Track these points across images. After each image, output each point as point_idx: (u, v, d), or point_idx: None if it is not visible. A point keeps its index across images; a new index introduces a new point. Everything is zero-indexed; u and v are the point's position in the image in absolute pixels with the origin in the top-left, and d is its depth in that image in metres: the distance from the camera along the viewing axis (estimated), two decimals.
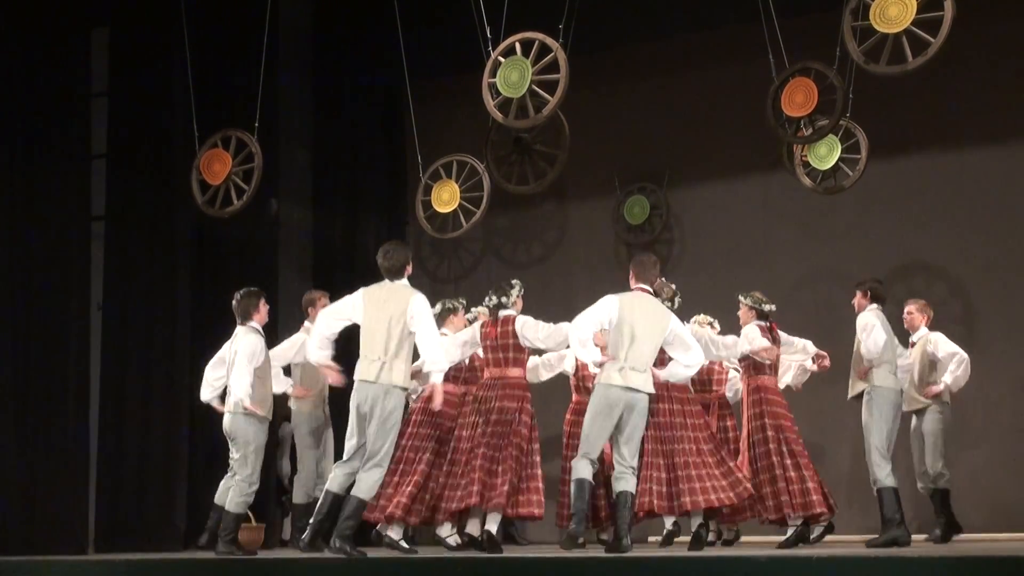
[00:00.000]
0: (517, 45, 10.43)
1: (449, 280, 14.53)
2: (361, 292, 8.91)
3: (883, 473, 9.80)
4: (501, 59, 10.46)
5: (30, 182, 11.75)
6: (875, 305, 10.16)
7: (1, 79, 11.67)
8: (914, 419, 10.88)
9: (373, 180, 14.56)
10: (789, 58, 10.70)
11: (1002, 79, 12.06)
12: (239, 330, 10.00)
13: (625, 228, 13.63)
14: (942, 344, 10.80)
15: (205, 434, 12.47)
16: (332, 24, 14.58)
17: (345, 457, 8.78)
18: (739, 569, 6.95)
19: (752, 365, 10.15)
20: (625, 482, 8.69)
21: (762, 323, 10.18)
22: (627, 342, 8.75)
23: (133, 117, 12.45)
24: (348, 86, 14.47)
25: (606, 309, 8.85)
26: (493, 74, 10.48)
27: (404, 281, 8.91)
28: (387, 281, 8.91)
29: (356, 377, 8.71)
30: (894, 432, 10.04)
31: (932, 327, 11.05)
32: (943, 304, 12.33)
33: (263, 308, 10.08)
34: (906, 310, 10.99)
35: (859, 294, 10.26)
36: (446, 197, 12.07)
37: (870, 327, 9.92)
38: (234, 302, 10.06)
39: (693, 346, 8.98)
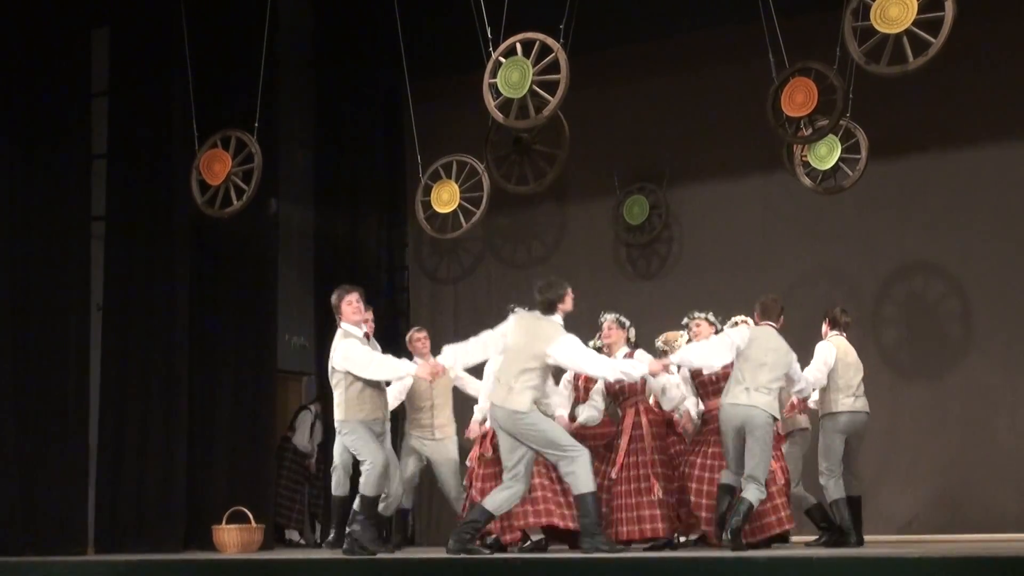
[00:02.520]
0: (518, 45, 10.42)
1: (449, 280, 14.54)
2: (513, 319, 9.07)
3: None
4: (502, 59, 10.45)
5: (30, 182, 11.75)
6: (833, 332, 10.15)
7: (1, 79, 11.67)
8: None
9: (373, 180, 14.57)
10: (789, 58, 10.70)
11: (1003, 79, 12.05)
12: None
13: (625, 228, 13.63)
14: None
15: (204, 434, 12.49)
16: (332, 24, 14.60)
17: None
18: (739, 570, 6.94)
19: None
20: (749, 492, 8.88)
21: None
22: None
23: (133, 117, 12.46)
24: (348, 86, 14.48)
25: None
26: (494, 74, 10.47)
27: (555, 318, 8.93)
28: (538, 312, 8.97)
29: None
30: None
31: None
32: (942, 303, 12.35)
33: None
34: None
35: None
36: (446, 197, 12.06)
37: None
38: None
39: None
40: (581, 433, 9.64)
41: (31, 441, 11.46)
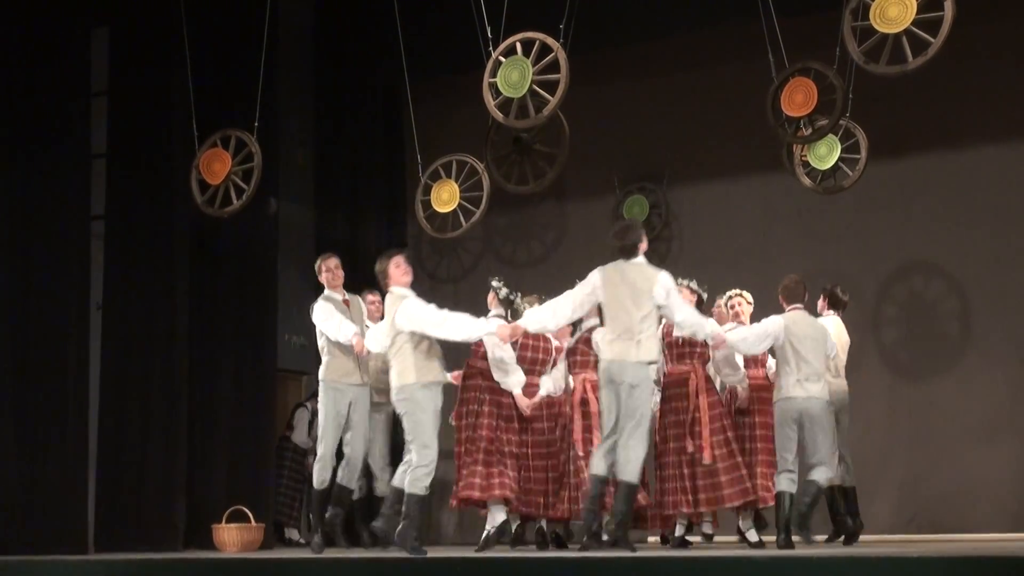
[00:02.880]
0: (518, 45, 10.43)
1: (449, 280, 14.55)
2: (598, 274, 9.02)
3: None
4: (502, 59, 10.46)
5: (30, 181, 11.74)
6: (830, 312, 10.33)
7: (1, 78, 11.66)
8: None
9: (373, 180, 14.57)
10: (789, 58, 10.71)
11: (1002, 79, 12.07)
12: None
13: None
14: None
15: (205, 433, 12.48)
16: (332, 23, 14.60)
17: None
18: (740, 568, 6.95)
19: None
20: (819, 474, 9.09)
21: None
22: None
23: (133, 116, 12.44)
24: (348, 86, 14.49)
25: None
26: (494, 74, 10.48)
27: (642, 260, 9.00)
28: (622, 260, 8.96)
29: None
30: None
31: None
32: (941, 303, 12.36)
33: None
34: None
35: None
36: (446, 197, 12.07)
37: None
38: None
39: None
40: None
41: (30, 440, 11.44)
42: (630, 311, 8.73)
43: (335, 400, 10.05)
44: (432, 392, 8.91)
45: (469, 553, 9.02)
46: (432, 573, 7.95)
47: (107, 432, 12.09)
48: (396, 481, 9.18)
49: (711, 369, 9.97)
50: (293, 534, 13.95)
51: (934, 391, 12.19)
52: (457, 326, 8.93)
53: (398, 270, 9.20)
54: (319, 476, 10.13)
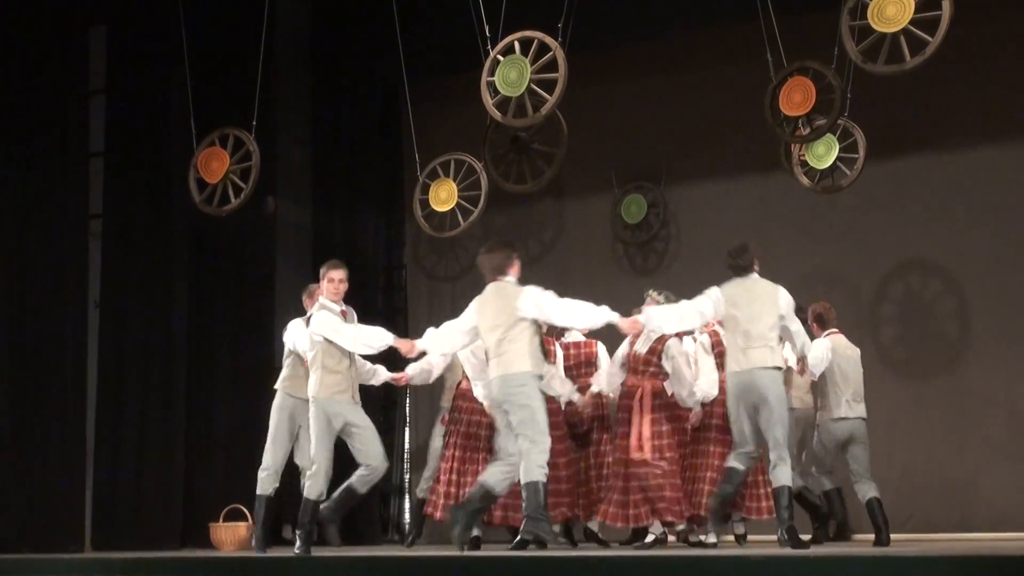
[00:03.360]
0: (516, 44, 10.42)
1: (447, 279, 14.52)
2: (719, 290, 9.22)
3: None
4: (500, 58, 10.45)
5: (28, 180, 11.75)
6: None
7: None
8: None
9: (371, 179, 14.56)
10: (787, 57, 10.69)
11: (1000, 78, 12.06)
12: None
13: (622, 226, 13.63)
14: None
15: (202, 432, 12.49)
16: (330, 22, 14.57)
17: None
18: (735, 568, 6.95)
19: None
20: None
21: None
22: None
23: (131, 115, 12.46)
24: (346, 84, 14.47)
25: None
26: (492, 73, 10.47)
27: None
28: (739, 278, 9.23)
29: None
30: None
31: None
32: (939, 302, 12.35)
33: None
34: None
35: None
36: (444, 196, 12.07)
37: None
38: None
39: None
40: None
41: (28, 438, 11.46)
42: (762, 319, 8.99)
43: (328, 419, 9.34)
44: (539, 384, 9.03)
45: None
46: (432, 571, 7.94)
47: (104, 431, 12.10)
48: (491, 477, 8.95)
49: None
50: (288, 532, 13.94)
51: (931, 390, 12.17)
52: (581, 313, 9.02)
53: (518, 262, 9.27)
54: (316, 489, 9.39)
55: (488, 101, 10.51)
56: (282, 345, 13.41)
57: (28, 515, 11.33)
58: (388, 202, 14.72)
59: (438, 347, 9.47)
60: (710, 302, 9.14)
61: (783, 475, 8.79)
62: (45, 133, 11.84)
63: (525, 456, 8.73)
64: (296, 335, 10.07)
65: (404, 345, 9.49)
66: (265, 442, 10.01)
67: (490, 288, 9.16)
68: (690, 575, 7.05)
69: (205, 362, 12.65)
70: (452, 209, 12.06)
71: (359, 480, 9.29)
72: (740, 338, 8.96)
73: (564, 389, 9.79)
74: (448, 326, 9.37)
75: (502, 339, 8.89)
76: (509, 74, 10.38)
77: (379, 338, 9.38)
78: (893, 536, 10.45)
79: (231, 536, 11.27)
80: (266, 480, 9.97)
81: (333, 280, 9.45)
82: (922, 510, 11.95)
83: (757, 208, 13.04)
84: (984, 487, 11.79)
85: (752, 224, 13.01)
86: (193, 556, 9.90)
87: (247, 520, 11.31)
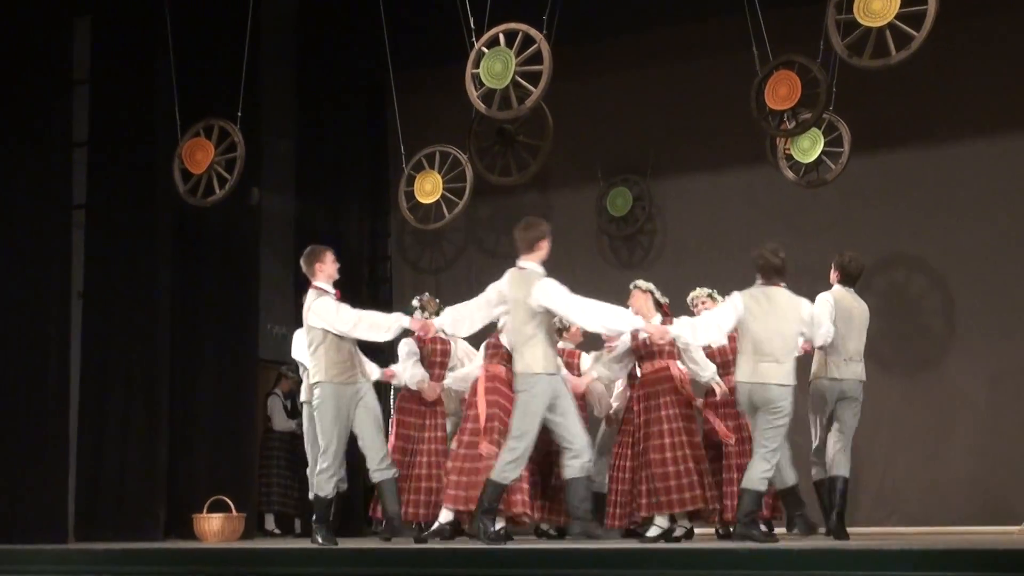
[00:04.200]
0: (501, 36, 10.41)
1: (431, 271, 14.53)
2: (749, 294, 8.81)
3: None
4: (485, 50, 10.44)
5: (11, 170, 11.72)
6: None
7: None
8: None
9: (356, 170, 14.55)
10: (773, 51, 10.71)
11: (984, 74, 12.08)
12: None
13: (608, 219, 13.64)
14: None
15: (186, 423, 12.46)
16: (316, 13, 14.55)
17: None
18: (721, 561, 6.96)
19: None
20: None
21: None
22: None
23: (115, 105, 12.41)
24: (332, 76, 14.44)
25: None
26: (476, 65, 10.47)
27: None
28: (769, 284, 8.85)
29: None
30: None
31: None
32: (924, 297, 12.38)
33: None
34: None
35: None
36: (429, 188, 12.07)
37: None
38: None
39: None
40: None
41: (11, 429, 11.43)
42: (790, 330, 8.72)
43: (336, 402, 9.29)
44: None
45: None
46: (419, 564, 7.95)
47: (88, 421, 12.06)
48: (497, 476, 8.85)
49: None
50: (270, 523, 13.94)
51: (916, 384, 12.21)
52: (603, 315, 8.84)
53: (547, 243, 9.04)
54: (326, 487, 9.35)
55: (473, 93, 10.50)
56: (265, 335, 13.45)
57: (11, 506, 11.31)
58: (373, 194, 14.72)
59: (460, 328, 9.31)
60: (733, 314, 8.80)
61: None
62: (28, 123, 11.81)
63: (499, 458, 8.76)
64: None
65: (420, 325, 9.40)
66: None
67: (511, 273, 9.02)
68: (672, 567, 7.06)
69: (189, 353, 12.62)
70: (437, 201, 12.06)
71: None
72: (750, 349, 8.70)
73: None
74: (468, 305, 9.24)
75: (522, 333, 8.81)
76: (494, 66, 10.37)
77: (393, 321, 9.35)
78: (875, 530, 10.49)
79: (215, 527, 11.26)
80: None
81: (335, 262, 9.54)
82: (903, 504, 11.99)
83: (742, 201, 13.06)
84: (966, 481, 11.82)
85: (737, 217, 13.04)
86: (177, 547, 9.88)
87: (231, 511, 11.30)
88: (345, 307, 9.33)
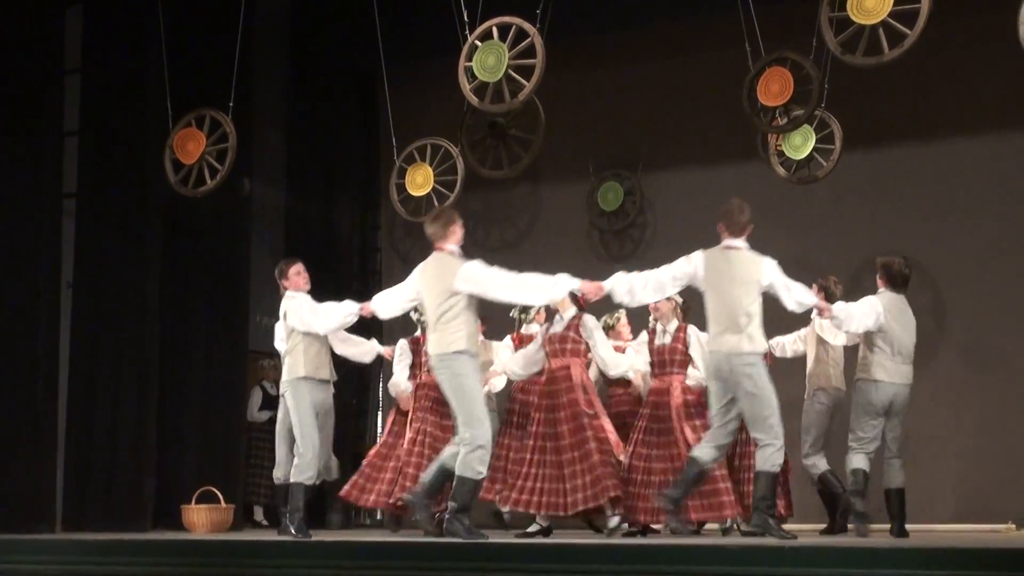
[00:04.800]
0: (494, 29, 10.41)
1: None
2: (699, 256, 9.01)
3: None
4: (478, 43, 10.44)
5: (1, 159, 11.67)
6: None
7: None
8: None
9: (347, 162, 14.55)
10: (766, 47, 10.72)
11: (977, 72, 12.10)
12: None
13: (598, 213, 13.66)
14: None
15: (175, 413, 12.44)
16: (309, 5, 14.53)
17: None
18: (711, 558, 6.97)
19: None
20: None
21: None
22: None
23: (106, 95, 12.36)
24: (324, 68, 14.45)
25: None
26: (469, 58, 10.46)
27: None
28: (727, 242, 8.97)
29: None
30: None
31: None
32: (914, 295, 12.37)
33: None
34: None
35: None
36: (420, 180, 12.08)
37: None
38: None
39: None
40: None
41: None
42: (746, 297, 8.71)
43: (312, 396, 9.60)
44: (477, 362, 8.67)
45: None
46: (425, 558, 7.95)
47: (77, 411, 12.04)
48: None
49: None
50: (259, 515, 13.94)
51: None
52: (530, 288, 8.58)
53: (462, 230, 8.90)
54: (303, 474, 9.52)
55: (465, 86, 10.50)
56: (254, 326, 13.43)
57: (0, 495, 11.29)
58: (364, 186, 14.72)
59: (385, 310, 9.21)
60: (683, 268, 8.87)
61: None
62: (20, 112, 11.76)
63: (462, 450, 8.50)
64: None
65: (364, 310, 9.43)
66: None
67: (432, 258, 8.84)
68: (660, 563, 7.07)
69: (179, 343, 12.59)
70: (428, 194, 12.07)
71: None
72: (713, 316, 8.65)
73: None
74: (392, 291, 9.22)
75: (440, 314, 8.59)
76: (487, 59, 10.37)
77: (345, 311, 9.44)
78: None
79: (203, 518, 11.25)
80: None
81: (301, 274, 9.77)
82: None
83: (733, 197, 13.04)
84: (954, 480, 11.85)
85: None
86: (165, 538, 9.86)
87: (219, 502, 11.29)
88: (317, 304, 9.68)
